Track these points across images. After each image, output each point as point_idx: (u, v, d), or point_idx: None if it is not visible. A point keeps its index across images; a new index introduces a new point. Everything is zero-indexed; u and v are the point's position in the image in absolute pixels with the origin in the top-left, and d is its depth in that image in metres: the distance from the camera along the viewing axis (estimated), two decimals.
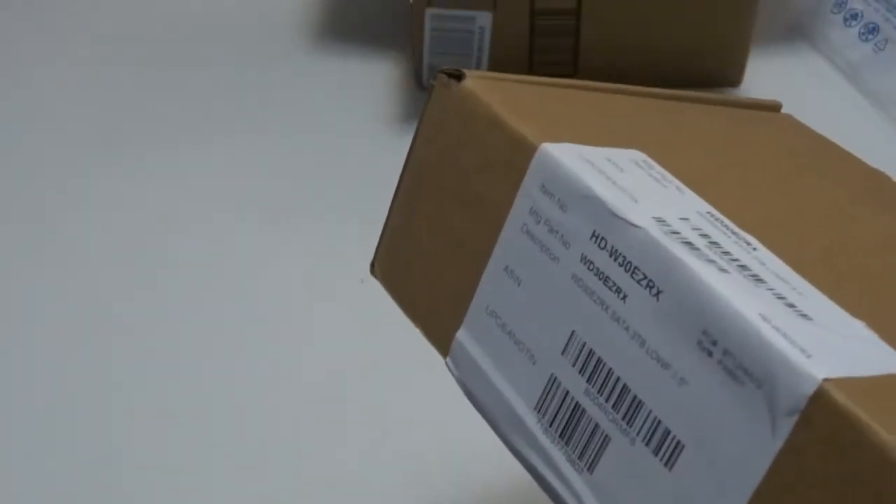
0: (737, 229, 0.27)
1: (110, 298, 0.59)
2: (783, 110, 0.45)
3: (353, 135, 0.69)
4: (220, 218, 0.63)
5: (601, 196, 0.26)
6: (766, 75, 0.72)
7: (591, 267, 0.26)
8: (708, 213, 0.27)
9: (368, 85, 0.73)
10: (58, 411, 0.53)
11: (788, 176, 0.32)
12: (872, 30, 0.72)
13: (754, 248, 0.26)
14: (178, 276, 0.60)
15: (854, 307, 0.25)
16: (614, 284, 0.26)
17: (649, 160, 0.29)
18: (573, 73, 0.70)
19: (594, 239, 0.26)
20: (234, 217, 0.63)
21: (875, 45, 0.72)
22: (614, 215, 0.26)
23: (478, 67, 0.70)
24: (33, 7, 0.83)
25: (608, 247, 0.26)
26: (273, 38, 0.78)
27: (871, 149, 0.67)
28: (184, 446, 0.51)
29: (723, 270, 0.24)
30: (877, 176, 0.38)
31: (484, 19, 0.67)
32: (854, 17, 0.73)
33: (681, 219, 0.26)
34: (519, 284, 0.28)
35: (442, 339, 0.32)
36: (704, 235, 0.26)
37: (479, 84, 0.30)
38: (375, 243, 0.64)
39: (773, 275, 0.25)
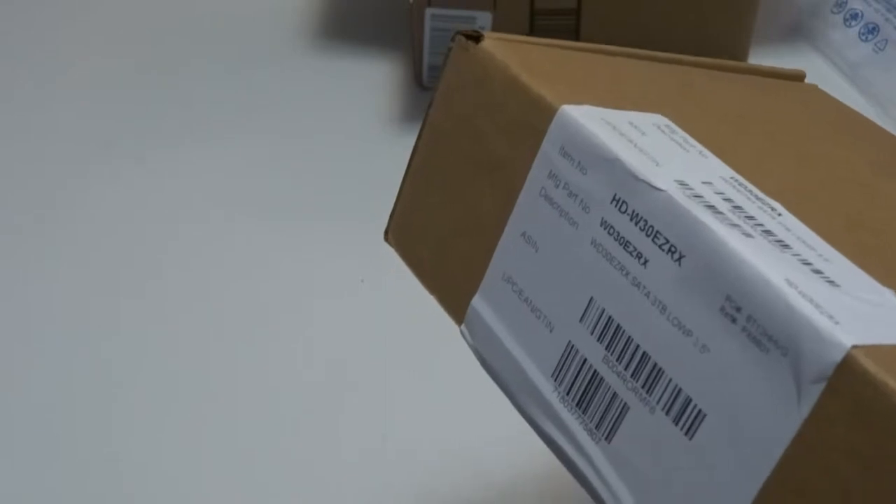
0: (761, 194, 0.26)
1: (110, 298, 0.59)
2: None
3: (353, 135, 0.69)
4: (220, 217, 0.63)
5: (623, 158, 0.25)
6: None
7: (612, 232, 0.26)
8: (732, 178, 0.26)
9: (368, 85, 0.73)
10: (57, 411, 0.53)
11: (813, 145, 0.32)
12: (872, 30, 0.72)
13: (779, 214, 0.26)
14: (178, 275, 0.60)
15: (881, 275, 0.24)
16: (635, 249, 0.25)
17: (672, 124, 0.28)
18: None
19: (615, 203, 0.25)
20: (234, 216, 0.63)
21: (875, 45, 0.72)
22: (636, 178, 0.25)
23: None
24: (33, 7, 0.83)
25: (629, 211, 0.25)
26: (273, 38, 0.78)
27: None
28: (183, 446, 0.51)
29: (747, 235, 0.24)
30: None
31: (484, 19, 0.67)
32: (854, 17, 0.73)
33: (704, 182, 0.25)
34: (537, 250, 0.28)
35: (457, 306, 0.31)
36: (728, 199, 0.25)
37: (498, 46, 0.29)
38: (376, 243, 0.64)
39: (799, 241, 0.24)
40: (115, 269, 0.61)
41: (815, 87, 0.39)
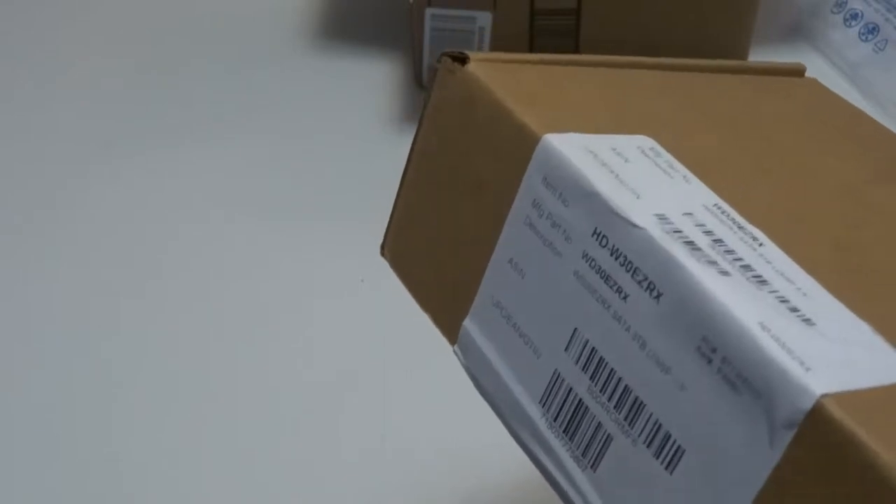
0: (743, 222, 0.26)
1: (110, 298, 0.59)
2: None
3: (353, 134, 0.69)
4: (220, 217, 0.63)
5: (602, 193, 0.25)
6: None
7: (593, 264, 0.26)
8: (714, 205, 0.26)
9: (368, 85, 0.73)
10: (57, 411, 0.53)
11: (806, 154, 0.31)
12: (872, 30, 0.72)
13: (760, 244, 0.25)
14: (178, 275, 0.60)
15: (862, 305, 0.24)
16: (615, 284, 0.25)
17: (657, 146, 0.28)
18: None
19: (595, 236, 0.25)
20: (234, 216, 0.63)
21: (875, 45, 0.72)
22: (615, 213, 0.25)
23: None
24: (33, 7, 0.83)
25: (609, 245, 0.25)
26: (273, 38, 0.78)
27: None
28: (183, 446, 0.51)
29: (724, 273, 0.24)
30: None
31: (484, 19, 0.67)
32: (854, 17, 0.73)
33: (684, 214, 0.25)
34: (523, 277, 0.28)
35: (450, 326, 0.31)
36: (708, 232, 0.25)
37: (484, 68, 0.29)
38: (375, 243, 0.64)
39: (777, 274, 0.24)
40: (115, 269, 0.61)
41: (814, 82, 0.38)
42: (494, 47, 0.68)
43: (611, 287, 0.25)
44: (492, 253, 0.29)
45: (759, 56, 0.73)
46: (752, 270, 0.24)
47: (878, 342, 0.24)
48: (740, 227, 0.26)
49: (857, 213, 0.28)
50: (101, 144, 0.69)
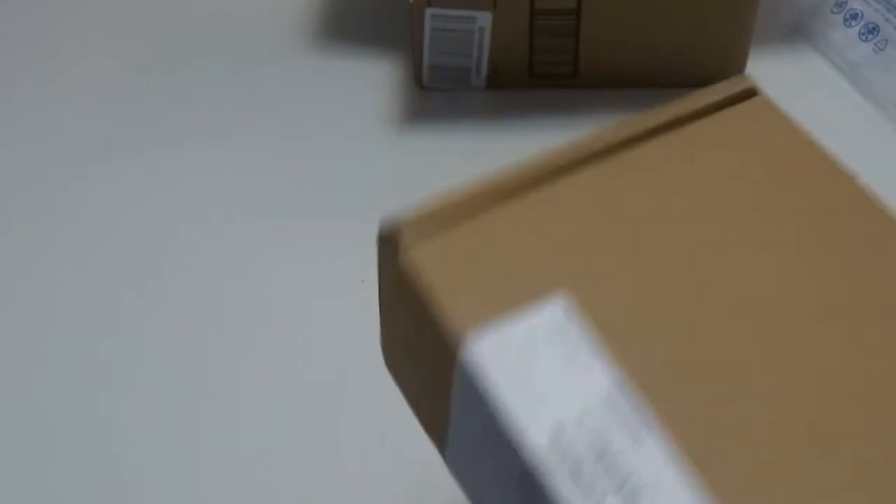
0: (637, 406, 0.25)
1: (110, 298, 0.59)
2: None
3: (353, 135, 0.69)
4: (220, 217, 0.63)
5: (509, 411, 0.25)
6: (766, 75, 0.72)
7: (509, 475, 0.26)
8: (612, 391, 0.25)
9: (368, 85, 0.73)
10: (57, 411, 0.53)
11: (742, 264, 0.29)
12: (872, 30, 0.72)
13: (648, 431, 0.25)
14: (178, 275, 0.60)
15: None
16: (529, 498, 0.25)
17: (568, 314, 0.27)
18: (573, 73, 0.70)
19: (502, 449, 0.26)
20: (234, 216, 0.64)
21: (875, 45, 0.72)
22: (515, 429, 0.25)
23: (478, 67, 0.70)
24: (33, 7, 0.83)
25: (515, 457, 0.25)
26: (273, 38, 0.78)
27: (871, 149, 0.67)
28: (183, 446, 0.51)
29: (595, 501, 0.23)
30: (866, 219, 0.32)
31: (484, 19, 0.67)
32: (854, 17, 0.73)
33: (576, 423, 0.25)
34: (472, 461, 0.28)
35: (437, 439, 0.31)
36: (594, 445, 0.24)
37: (418, 249, 0.28)
38: (374, 243, 0.64)
39: (648, 481, 0.24)
40: (114, 268, 0.61)
41: (761, 110, 0.35)
42: (494, 47, 0.68)
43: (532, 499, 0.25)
44: (450, 406, 0.28)
45: (759, 56, 0.73)
46: (621, 489, 0.24)
47: None
48: (634, 412, 0.25)
49: (781, 374, 0.26)
50: (101, 144, 0.69)
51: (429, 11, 0.67)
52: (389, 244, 0.29)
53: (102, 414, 0.53)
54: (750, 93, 0.35)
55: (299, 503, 0.49)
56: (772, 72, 0.73)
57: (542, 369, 0.26)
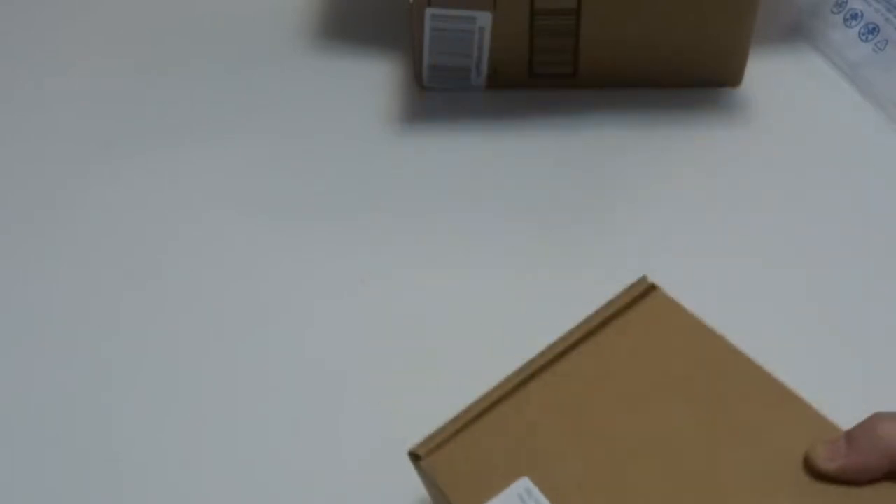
0: None
1: (110, 298, 0.59)
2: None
3: (353, 135, 0.69)
4: (220, 217, 0.64)
5: None
6: (766, 75, 0.73)
7: None
8: None
9: (368, 85, 0.73)
10: (57, 411, 0.53)
11: (642, 423, 0.42)
12: (872, 30, 0.72)
13: None
14: (178, 275, 0.60)
15: None
16: None
17: (531, 488, 0.41)
18: (573, 73, 0.70)
19: None
20: (234, 216, 0.64)
21: (875, 45, 0.72)
22: None
23: (478, 67, 0.70)
24: (33, 6, 0.83)
25: None
26: (273, 38, 0.78)
27: (870, 149, 0.68)
28: (183, 446, 0.51)
29: None
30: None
31: (484, 19, 0.67)
32: (854, 17, 0.73)
33: None
34: None
35: None
36: None
37: (433, 463, 0.43)
38: (375, 243, 0.64)
39: None
40: (114, 268, 0.61)
41: (658, 304, 0.46)
42: (494, 47, 0.68)
43: None
44: None
45: (759, 56, 0.73)
46: None
47: None
48: None
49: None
50: (101, 144, 0.69)
51: (429, 11, 0.67)
52: (415, 457, 0.43)
53: (102, 413, 0.53)
54: (650, 289, 0.47)
55: (299, 503, 0.49)
56: (772, 72, 0.73)
57: None
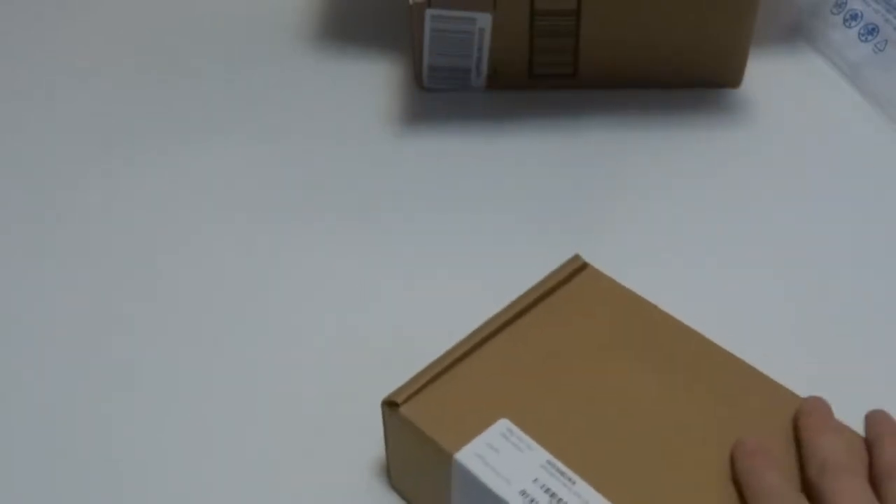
0: (564, 468, 0.42)
1: (109, 299, 0.59)
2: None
3: (353, 135, 0.69)
4: (220, 218, 0.64)
5: (492, 488, 0.42)
6: (766, 76, 0.73)
7: None
8: (547, 462, 0.43)
9: (369, 85, 0.73)
10: (59, 408, 0.53)
11: (595, 375, 0.47)
12: (872, 30, 0.72)
13: (574, 483, 0.42)
14: (177, 276, 0.60)
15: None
16: None
17: (511, 427, 0.44)
18: (573, 73, 0.70)
19: None
20: (233, 217, 0.64)
21: (875, 45, 0.72)
22: (500, 500, 0.42)
23: (477, 68, 0.70)
24: (33, 6, 0.83)
25: None
26: (273, 38, 0.78)
27: (870, 149, 0.68)
28: (183, 447, 0.51)
29: None
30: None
31: (484, 20, 0.67)
32: (854, 17, 0.73)
33: (534, 481, 0.42)
34: None
35: None
36: (548, 490, 0.42)
37: (411, 407, 0.45)
38: (375, 244, 0.64)
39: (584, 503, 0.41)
40: (113, 269, 0.61)
41: (590, 276, 0.51)
42: (494, 47, 0.68)
43: None
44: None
45: (759, 56, 0.73)
46: None
47: None
48: (561, 473, 0.42)
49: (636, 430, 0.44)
50: (101, 144, 0.69)
51: (429, 12, 0.67)
52: (391, 405, 0.45)
53: (102, 415, 0.53)
54: (582, 267, 0.51)
55: None
56: (772, 72, 0.73)
57: (504, 461, 0.43)
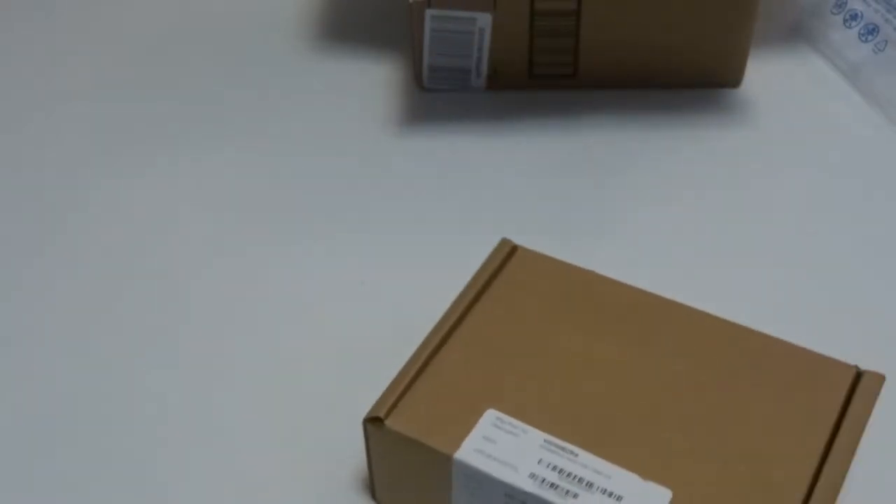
0: (563, 444, 0.43)
1: (108, 300, 0.59)
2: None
3: (353, 135, 0.69)
4: (219, 219, 0.64)
5: (502, 480, 0.42)
6: (766, 76, 0.73)
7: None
8: (545, 441, 0.43)
9: (369, 86, 0.73)
10: (58, 408, 0.53)
11: (564, 349, 0.47)
12: (872, 31, 0.72)
13: (576, 455, 0.42)
14: (176, 277, 0.60)
15: (640, 465, 0.42)
16: None
17: (499, 415, 0.44)
18: (573, 73, 0.70)
19: (508, 497, 0.43)
20: (233, 218, 0.64)
21: (875, 46, 0.72)
22: (511, 487, 0.42)
23: (477, 68, 0.70)
24: (33, 10, 0.83)
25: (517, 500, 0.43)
26: (273, 39, 0.78)
27: (870, 149, 0.68)
28: (182, 448, 0.51)
29: (574, 495, 0.41)
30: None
31: (484, 20, 0.67)
32: (854, 17, 0.73)
33: (539, 462, 0.42)
34: None
35: None
36: (555, 468, 0.42)
37: (397, 420, 0.44)
38: (375, 245, 0.64)
39: (593, 472, 0.42)
40: (113, 271, 0.61)
41: (523, 257, 0.51)
42: (494, 47, 0.68)
43: None
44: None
45: (759, 56, 0.73)
46: (582, 480, 0.42)
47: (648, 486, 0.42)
48: (562, 449, 0.43)
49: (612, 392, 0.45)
50: (101, 145, 0.69)
51: (429, 12, 0.67)
52: (374, 421, 0.45)
53: (101, 413, 0.53)
54: (513, 250, 0.52)
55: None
56: (772, 73, 0.73)
57: (504, 450, 0.43)
